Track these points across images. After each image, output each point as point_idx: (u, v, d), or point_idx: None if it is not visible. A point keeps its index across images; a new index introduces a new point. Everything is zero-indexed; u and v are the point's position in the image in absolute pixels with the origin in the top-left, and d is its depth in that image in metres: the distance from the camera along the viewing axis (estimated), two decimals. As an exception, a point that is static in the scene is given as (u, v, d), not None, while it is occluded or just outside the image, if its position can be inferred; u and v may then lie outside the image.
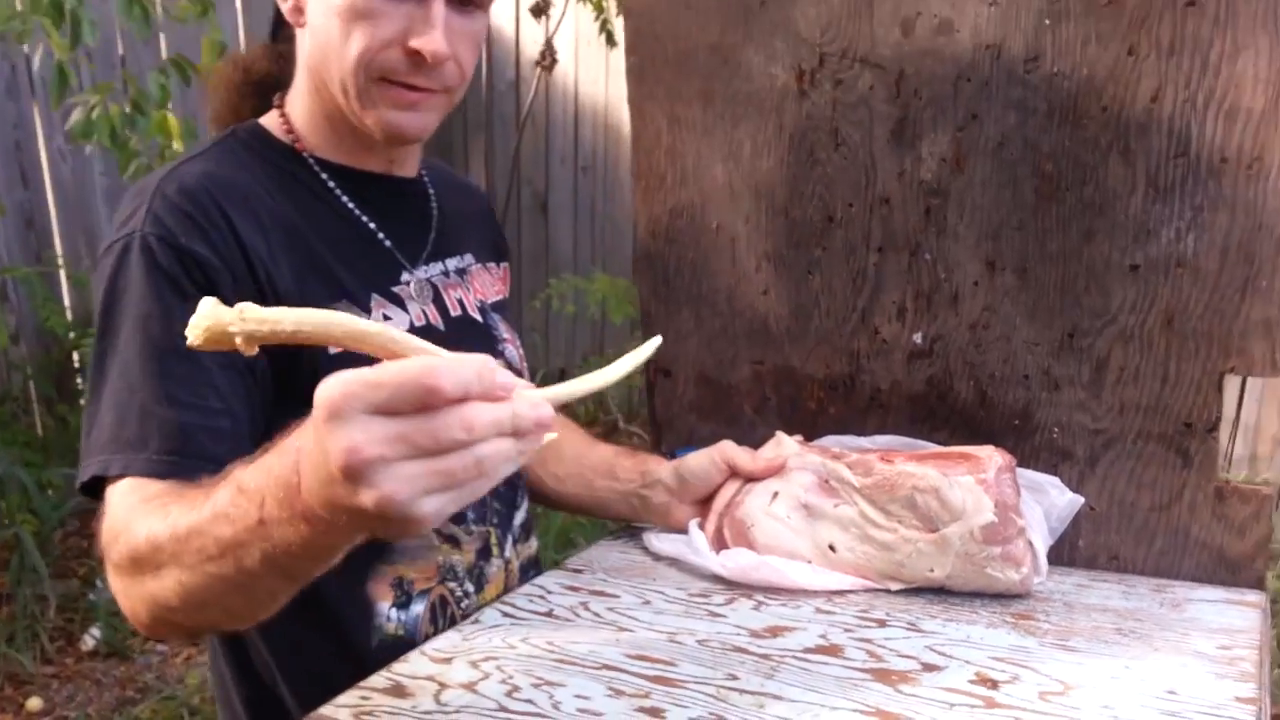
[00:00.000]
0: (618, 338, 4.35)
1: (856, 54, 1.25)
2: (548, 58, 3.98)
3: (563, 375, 4.51)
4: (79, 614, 3.33)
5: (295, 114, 1.12)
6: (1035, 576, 1.15)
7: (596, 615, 1.11)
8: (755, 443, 1.30)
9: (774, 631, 1.07)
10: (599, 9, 3.90)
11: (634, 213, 1.46)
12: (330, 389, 0.63)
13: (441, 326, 1.14)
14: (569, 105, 4.39)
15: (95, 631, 3.25)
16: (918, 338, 1.30)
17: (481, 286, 1.24)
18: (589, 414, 4.41)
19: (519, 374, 1.25)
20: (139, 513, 0.88)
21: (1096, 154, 1.16)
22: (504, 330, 1.25)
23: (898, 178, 1.26)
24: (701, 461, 1.27)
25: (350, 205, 1.12)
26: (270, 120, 1.13)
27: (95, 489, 0.95)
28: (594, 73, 4.28)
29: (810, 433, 1.33)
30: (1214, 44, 1.09)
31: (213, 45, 2.37)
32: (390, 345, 0.71)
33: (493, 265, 1.30)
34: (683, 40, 1.33)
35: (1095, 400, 1.22)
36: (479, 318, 1.21)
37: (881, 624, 1.09)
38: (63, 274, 3.76)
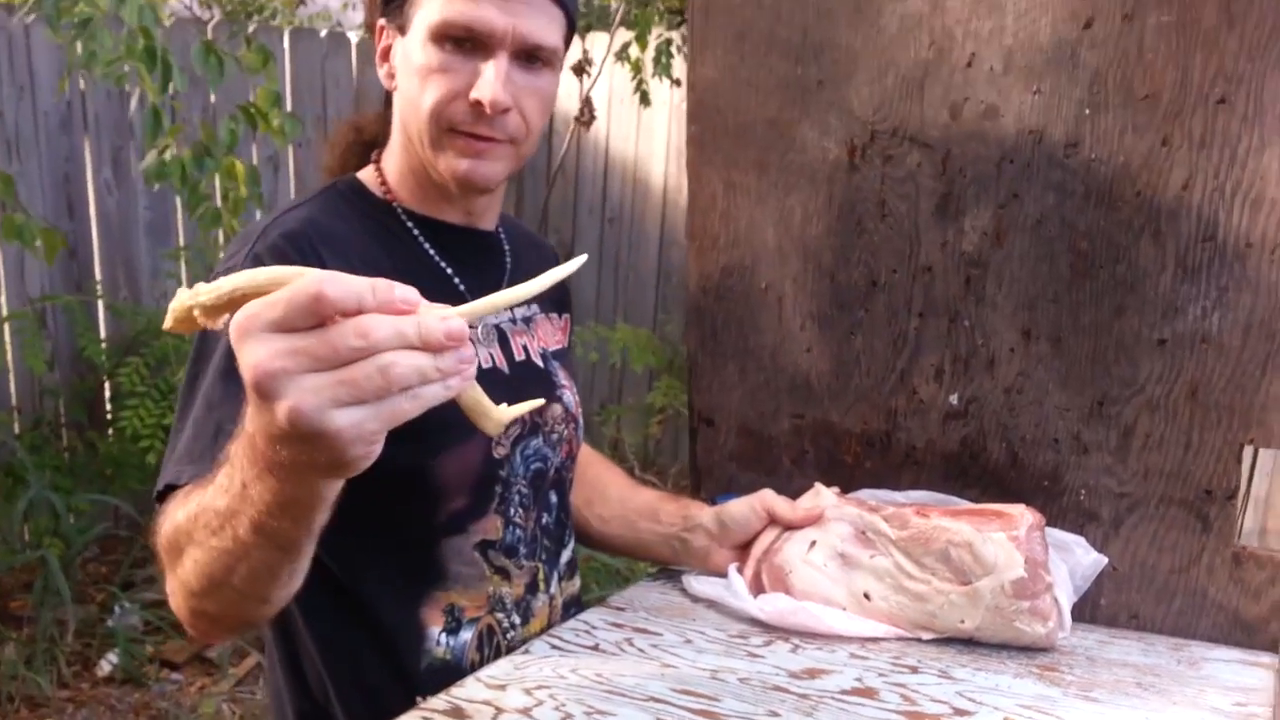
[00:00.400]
0: (637, 386, 4.42)
1: (906, 133, 1.34)
2: (586, 114, 4.10)
3: (581, 421, 4.59)
4: (97, 639, 3.37)
5: (389, 169, 1.22)
6: (1060, 631, 1.21)
7: (640, 651, 1.17)
8: (793, 493, 1.37)
9: (811, 673, 1.13)
10: (636, 70, 4.02)
11: (686, 269, 1.54)
12: (237, 314, 0.67)
13: (506, 369, 1.23)
14: (599, 159, 4.51)
15: (112, 657, 3.29)
16: (954, 399, 1.37)
17: (544, 335, 1.32)
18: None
19: (574, 420, 1.33)
20: (176, 504, 0.94)
21: (1129, 235, 1.25)
22: (562, 377, 1.32)
23: (940, 248, 1.35)
24: (742, 509, 1.34)
25: (432, 253, 1.21)
26: (367, 174, 1.23)
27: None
28: (626, 129, 4.40)
29: (846, 486, 1.40)
30: (1242, 139, 1.18)
31: (268, 94, 2.48)
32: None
33: (554, 316, 1.38)
34: (742, 114, 1.43)
35: (1121, 465, 1.29)
36: (540, 364, 1.29)
37: (914, 670, 1.15)
38: (100, 304, 3.85)
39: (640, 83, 4.03)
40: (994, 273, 1.33)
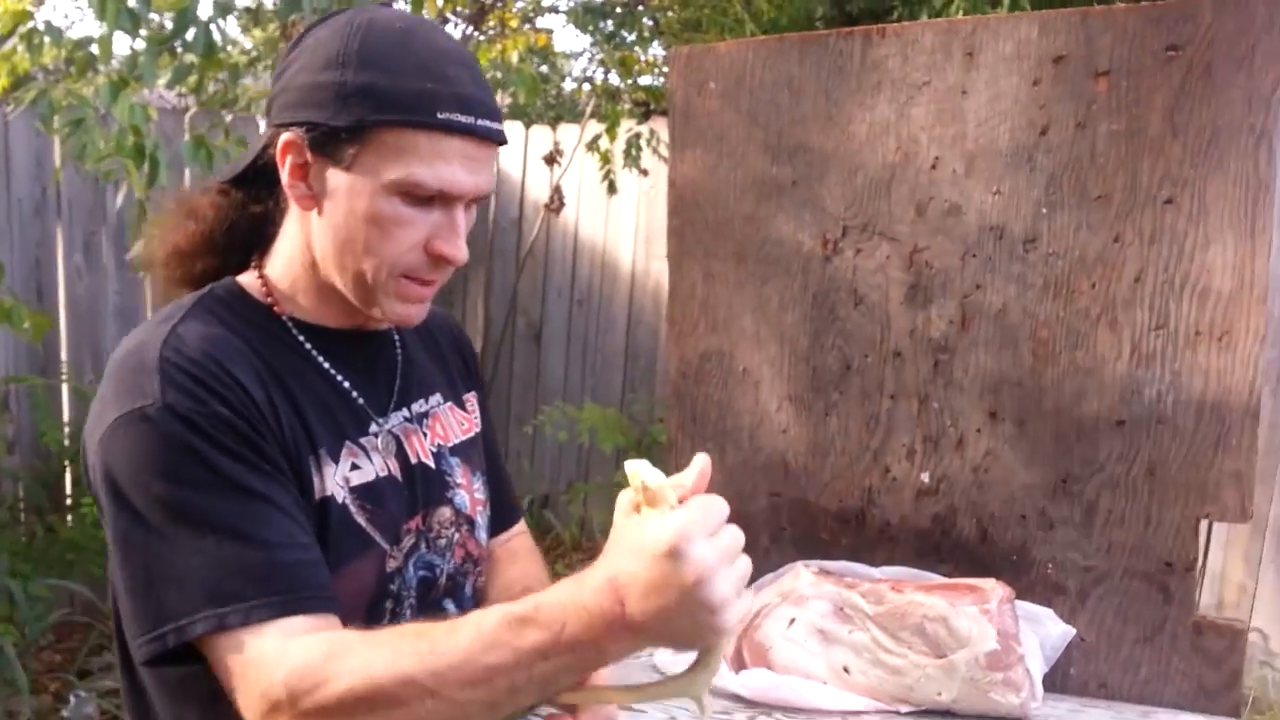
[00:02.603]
0: (604, 465, 4.46)
1: (876, 228, 1.43)
2: (556, 201, 4.20)
3: (547, 501, 4.60)
4: (52, 729, 3.29)
5: (279, 280, 1.13)
6: (1033, 701, 1.26)
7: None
8: (771, 568, 1.43)
9: (797, 745, 1.17)
10: (605, 160, 4.14)
11: (665, 353, 1.60)
12: (687, 520, 0.82)
13: (400, 477, 1.15)
14: (568, 243, 4.61)
15: (69, 748, 3.21)
16: (925, 477, 1.44)
17: (444, 429, 1.24)
18: (573, 538, 4.48)
19: (467, 520, 1.24)
20: (323, 652, 0.91)
21: (1087, 323, 1.34)
22: (459, 475, 1.24)
23: (910, 334, 1.43)
24: None
25: (324, 364, 1.13)
26: (249, 281, 1.14)
27: (161, 656, 0.96)
28: (595, 215, 4.51)
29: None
30: (1189, 235, 1.28)
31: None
32: None
33: (456, 404, 1.30)
34: (721, 209, 1.51)
35: (1086, 540, 1.36)
36: (432, 464, 1.20)
37: (896, 740, 1.19)
38: (65, 388, 3.84)
39: (609, 172, 4.15)
40: (960, 358, 1.40)
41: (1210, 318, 1.28)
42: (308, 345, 1.13)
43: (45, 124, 2.11)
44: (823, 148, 1.44)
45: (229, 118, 3.23)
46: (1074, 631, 1.34)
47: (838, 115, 1.43)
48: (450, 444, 1.24)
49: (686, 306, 1.56)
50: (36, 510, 3.80)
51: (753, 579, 1.48)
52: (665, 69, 4.65)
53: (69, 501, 3.80)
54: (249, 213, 1.16)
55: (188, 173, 3.91)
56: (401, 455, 1.17)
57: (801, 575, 1.39)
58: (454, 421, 1.27)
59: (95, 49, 2.39)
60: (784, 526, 1.53)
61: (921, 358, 1.43)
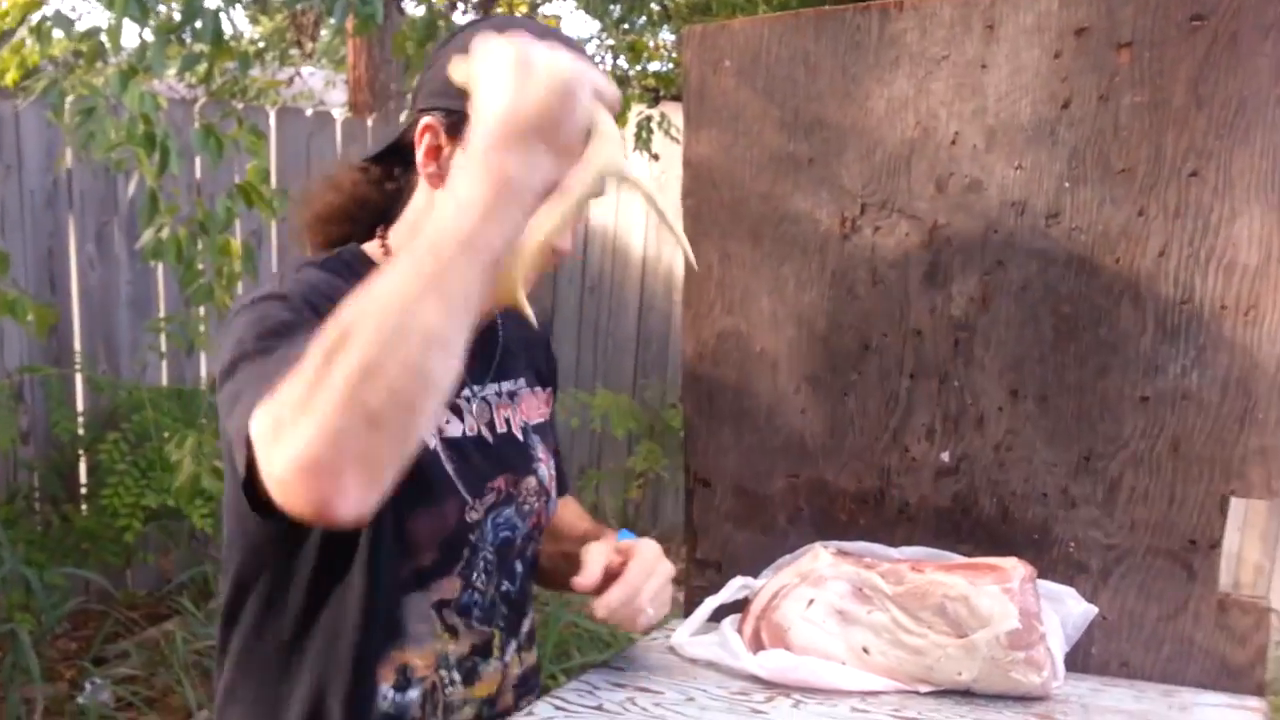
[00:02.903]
0: (616, 450, 4.45)
1: (895, 205, 1.41)
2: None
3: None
4: (66, 717, 3.31)
5: (398, 245, 1.24)
6: (1055, 680, 1.25)
7: (644, 709, 1.20)
8: (788, 550, 1.43)
9: (817, 727, 1.16)
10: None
11: (681, 336, 1.59)
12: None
13: (490, 439, 1.27)
14: (579, 229, 4.61)
15: (82, 736, 3.22)
16: (945, 456, 1.43)
17: (528, 408, 1.36)
18: (586, 528, 4.48)
19: (546, 493, 1.33)
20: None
21: (1110, 299, 1.32)
22: (540, 451, 1.35)
23: (929, 313, 1.41)
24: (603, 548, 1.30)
25: None
26: (372, 247, 1.26)
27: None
28: (605, 202, 4.50)
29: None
30: (1214, 209, 1.26)
31: (257, 171, 2.54)
32: None
33: (539, 389, 1.40)
34: (737, 188, 1.50)
35: (1108, 518, 1.35)
36: (520, 437, 1.32)
37: (916, 721, 1.19)
38: (79, 377, 3.85)
39: (619, 157, 4.13)
40: (981, 336, 1.39)
41: (1236, 292, 1.27)
42: None
43: (56, 114, 2.11)
44: (840, 124, 1.43)
45: (240, 106, 3.23)
46: (1096, 610, 1.33)
47: (855, 91, 1.42)
48: (533, 423, 1.35)
49: (703, 287, 1.54)
50: (51, 500, 3.82)
51: (770, 560, 1.48)
52: (675, 54, 4.63)
53: (84, 491, 3.82)
54: (384, 188, 1.27)
55: (198, 161, 3.92)
56: (491, 423, 1.27)
57: (820, 556, 1.38)
58: (535, 404, 1.38)
59: (105, 39, 2.39)
60: (801, 507, 1.52)
61: (941, 336, 1.41)
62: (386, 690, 1.19)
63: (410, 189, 1.23)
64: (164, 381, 3.99)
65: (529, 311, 1.05)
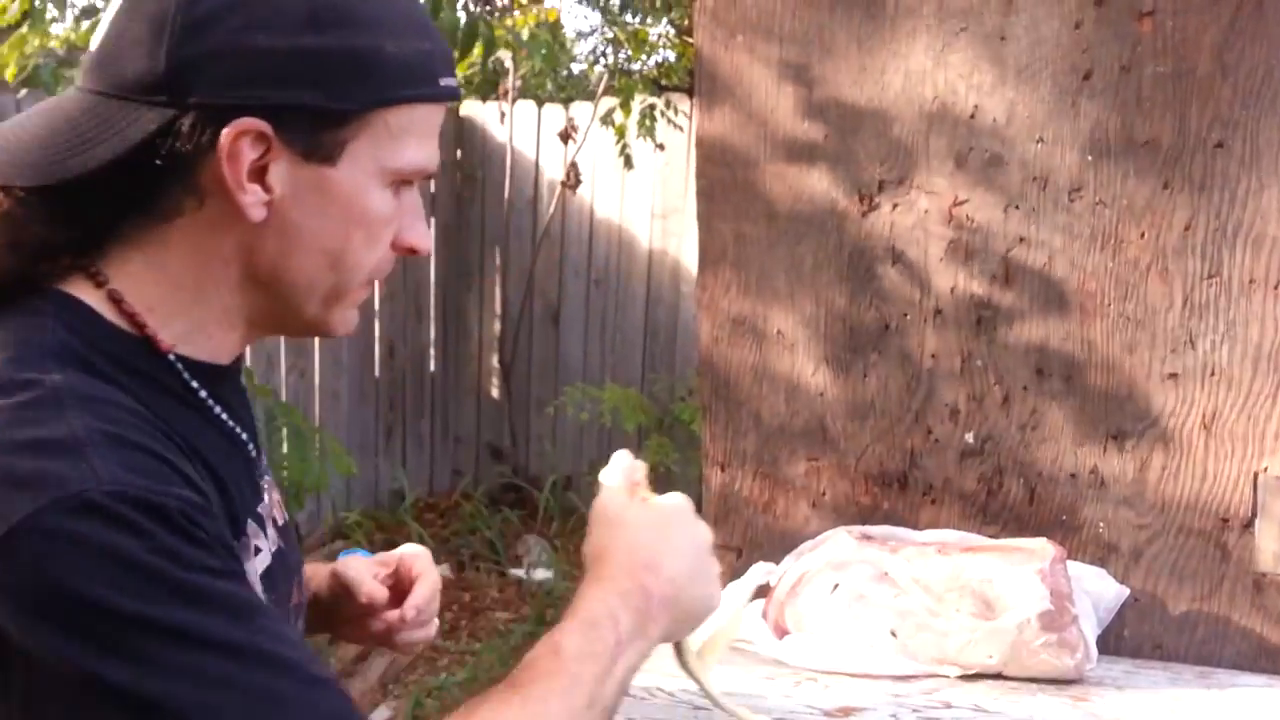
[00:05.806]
0: (626, 445, 4.42)
1: (913, 182, 1.39)
2: (572, 178, 4.16)
3: (570, 482, 4.58)
4: None
5: (153, 303, 0.79)
6: (1088, 663, 1.23)
7: (670, 695, 1.18)
8: (810, 535, 1.40)
9: (845, 711, 1.14)
10: (620, 135, 4.10)
11: (696, 320, 1.57)
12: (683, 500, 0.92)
13: (283, 544, 0.92)
14: (584, 222, 4.57)
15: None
16: (969, 437, 1.40)
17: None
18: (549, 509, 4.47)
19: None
20: None
21: (1136, 274, 1.30)
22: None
23: (951, 291, 1.39)
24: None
25: (219, 413, 0.85)
26: (95, 303, 0.78)
27: None
28: (611, 192, 4.47)
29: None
30: (1241, 180, 1.24)
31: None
32: None
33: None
34: (751, 167, 1.47)
35: (1139, 497, 1.32)
36: (282, 518, 0.96)
37: (947, 706, 1.17)
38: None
39: (624, 147, 4.11)
40: (1004, 314, 1.37)
41: (1265, 265, 1.24)
42: (202, 393, 0.84)
43: (50, 93, 2.08)
44: (856, 100, 1.41)
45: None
46: (1128, 591, 1.31)
47: (871, 65, 1.39)
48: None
49: (717, 269, 1.52)
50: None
51: (793, 545, 1.46)
52: (677, 43, 4.61)
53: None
54: (83, 221, 0.79)
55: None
56: (273, 516, 0.92)
57: (843, 541, 1.36)
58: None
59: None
60: (823, 492, 1.50)
61: (964, 315, 1.39)
62: None
63: (154, 215, 0.78)
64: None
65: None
